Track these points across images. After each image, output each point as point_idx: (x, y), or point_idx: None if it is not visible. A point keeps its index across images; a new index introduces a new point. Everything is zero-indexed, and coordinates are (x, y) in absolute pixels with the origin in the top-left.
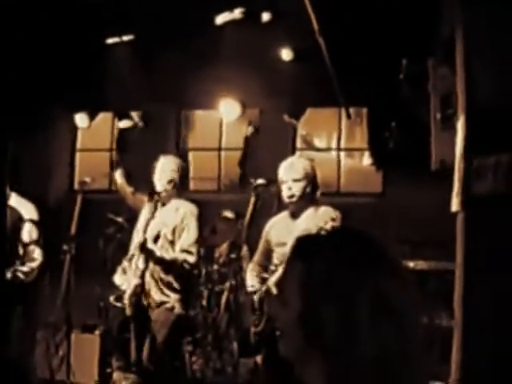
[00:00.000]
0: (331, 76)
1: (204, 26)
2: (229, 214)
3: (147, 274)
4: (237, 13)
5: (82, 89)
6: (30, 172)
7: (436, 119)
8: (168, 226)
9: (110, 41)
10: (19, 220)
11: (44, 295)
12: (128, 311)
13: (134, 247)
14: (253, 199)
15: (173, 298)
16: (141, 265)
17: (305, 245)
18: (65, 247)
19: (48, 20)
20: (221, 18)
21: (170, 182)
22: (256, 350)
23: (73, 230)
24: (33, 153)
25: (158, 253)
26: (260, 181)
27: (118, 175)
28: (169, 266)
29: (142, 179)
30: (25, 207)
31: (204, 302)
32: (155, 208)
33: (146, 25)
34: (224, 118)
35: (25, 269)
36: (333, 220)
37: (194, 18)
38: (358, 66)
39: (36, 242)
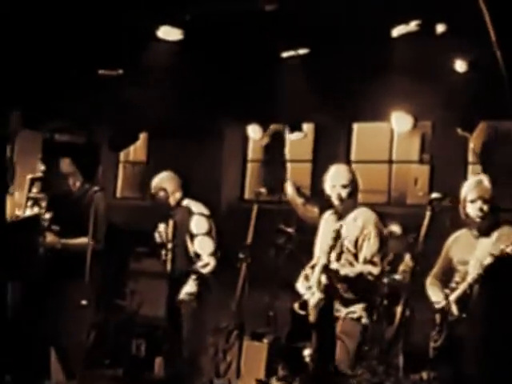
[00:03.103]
0: (506, 88)
1: (377, 38)
2: (395, 228)
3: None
4: (412, 25)
5: (255, 100)
6: (201, 180)
7: None
8: (350, 239)
9: (284, 54)
10: (189, 213)
11: (214, 301)
12: (311, 319)
13: (316, 257)
14: (428, 213)
15: (358, 308)
16: (324, 280)
17: (497, 269)
18: (241, 255)
19: (226, 33)
20: (396, 31)
21: (344, 187)
22: (424, 364)
23: (249, 238)
24: (205, 161)
25: (342, 271)
26: (435, 195)
27: (289, 186)
28: (354, 281)
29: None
30: (195, 205)
31: (374, 316)
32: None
33: (321, 37)
34: (395, 131)
35: (201, 263)
36: None
37: (368, 31)
38: None
39: (207, 234)
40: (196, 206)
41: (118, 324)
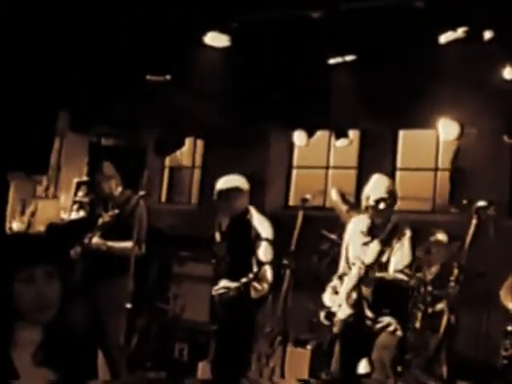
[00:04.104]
0: None
1: (424, 44)
2: (442, 236)
3: (363, 301)
4: (460, 32)
5: (301, 106)
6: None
7: None
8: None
9: (332, 61)
10: (257, 238)
11: (264, 308)
12: (336, 330)
13: (343, 267)
14: (474, 221)
15: (393, 321)
16: (354, 295)
17: None
18: (285, 261)
19: (273, 40)
20: (444, 38)
21: (380, 200)
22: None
23: (293, 245)
24: (251, 167)
25: (377, 275)
26: (481, 203)
27: (334, 193)
28: (386, 287)
29: (357, 197)
30: (263, 226)
31: (417, 324)
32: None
33: (367, 44)
34: (442, 138)
35: (258, 286)
36: None
37: (415, 38)
38: None
39: (270, 263)
40: (264, 228)
41: (160, 328)
